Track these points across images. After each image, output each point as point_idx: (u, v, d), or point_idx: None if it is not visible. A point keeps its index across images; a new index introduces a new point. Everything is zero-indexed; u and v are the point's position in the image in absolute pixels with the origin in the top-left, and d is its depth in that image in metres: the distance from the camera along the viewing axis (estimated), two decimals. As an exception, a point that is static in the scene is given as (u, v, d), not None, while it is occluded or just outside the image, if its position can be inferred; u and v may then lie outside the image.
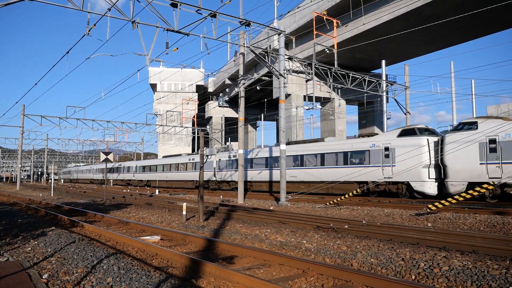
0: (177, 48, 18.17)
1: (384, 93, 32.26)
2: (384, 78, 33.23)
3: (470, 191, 13.59)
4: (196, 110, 66.37)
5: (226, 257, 7.55)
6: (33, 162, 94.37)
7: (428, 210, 13.46)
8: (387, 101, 34.94)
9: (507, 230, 10.49)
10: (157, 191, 35.33)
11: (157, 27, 16.47)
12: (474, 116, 38.49)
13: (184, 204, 13.35)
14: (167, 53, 17.44)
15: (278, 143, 29.87)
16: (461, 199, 13.39)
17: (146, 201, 22.06)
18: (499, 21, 34.27)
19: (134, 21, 15.80)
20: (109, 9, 15.08)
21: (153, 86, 74.28)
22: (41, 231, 10.29)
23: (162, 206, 18.88)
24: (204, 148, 14.67)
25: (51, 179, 34.16)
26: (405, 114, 34.81)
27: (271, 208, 17.90)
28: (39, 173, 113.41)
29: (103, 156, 22.09)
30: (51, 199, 25.21)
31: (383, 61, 35.21)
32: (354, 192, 17.91)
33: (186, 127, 54.65)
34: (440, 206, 13.27)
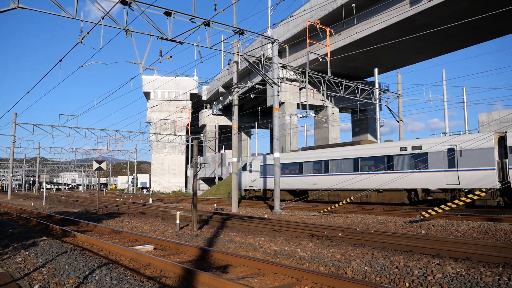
0: (171, 57, 18.19)
1: (377, 101, 32.51)
2: (377, 86, 33.51)
3: (463, 198, 13.69)
4: (190, 118, 66.33)
5: (220, 266, 7.49)
6: (25, 171, 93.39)
7: (421, 217, 13.51)
8: (380, 109, 35.21)
9: (499, 236, 10.55)
10: (150, 199, 35.11)
11: (150, 35, 16.50)
12: (466, 122, 38.95)
13: (178, 213, 13.26)
14: (160, 62, 17.45)
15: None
16: (454, 205, 13.47)
17: (139, 210, 21.89)
18: (490, 30, 34.85)
19: (128, 29, 15.82)
20: (103, 18, 15.09)
21: (147, 94, 74.21)
22: (32, 241, 10.15)
23: (155, 215, 18.73)
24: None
25: (43, 188, 33.75)
26: (398, 121, 35.07)
27: (265, 216, 17.85)
28: (31, 182, 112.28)
29: (96, 165, 21.93)
30: (43, 209, 24.92)
31: (376, 69, 35.56)
32: (348, 200, 17.93)
33: (179, 135, 54.54)
34: (433, 213, 13.34)
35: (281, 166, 26.19)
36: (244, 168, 30.80)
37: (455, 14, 30.59)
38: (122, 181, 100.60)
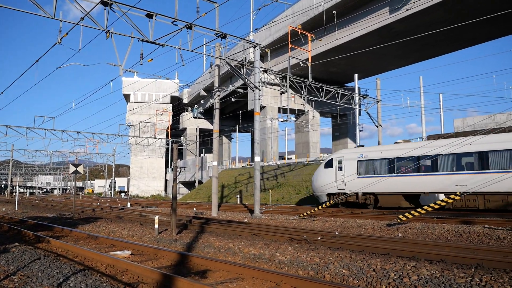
0: (152, 59, 18.04)
1: (357, 106, 33.01)
2: (356, 91, 34.04)
3: (438, 202, 14.01)
4: (170, 121, 65.77)
5: (199, 271, 7.42)
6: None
7: (398, 220, 13.76)
8: (360, 114, 35.74)
9: (473, 238, 10.84)
10: (128, 204, 34.55)
11: (131, 37, 16.31)
12: (442, 127, 39.94)
13: (156, 217, 13.09)
14: (141, 64, 17.28)
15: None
16: (430, 209, 13.78)
17: (116, 215, 21.50)
18: (466, 38, 36.01)
19: (108, 30, 15.60)
20: (83, 18, 14.85)
21: (127, 97, 73.22)
22: (3, 247, 9.81)
23: (133, 220, 18.43)
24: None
25: (15, 192, 32.71)
26: (377, 126, 35.66)
27: (245, 220, 17.82)
28: (3, 185, 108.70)
29: (72, 168, 21.43)
30: (15, 213, 24.15)
31: (356, 75, 36.13)
32: (327, 203, 18.08)
33: (159, 138, 53.93)
34: (410, 216, 13.60)
35: (393, 161, 20.37)
36: (329, 164, 23.38)
37: (433, 22, 31.49)
38: (99, 185, 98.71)
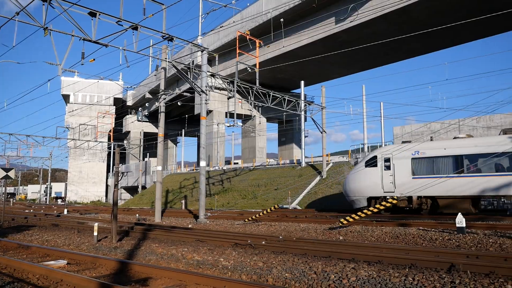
0: (94, 59, 17.26)
1: (303, 113, 33.90)
2: (302, 98, 35.00)
3: (377, 205, 14.76)
4: (113, 124, 63.17)
5: (140, 279, 7.16)
6: None
7: (340, 224, 14.28)
8: (305, 120, 36.80)
9: (408, 240, 11.53)
10: (65, 210, 32.57)
11: (72, 35, 15.48)
12: (383, 134, 42.19)
13: (96, 224, 12.47)
14: (82, 64, 16.45)
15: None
16: (369, 213, 14.47)
17: (52, 222, 20.16)
18: (405, 50, 38.50)
19: (47, 27, 14.68)
20: (18, 13, 13.89)
21: (66, 97, 69.28)
22: None
23: (70, 227, 17.40)
24: None
25: None
26: (322, 132, 36.87)
27: (190, 226, 17.53)
28: None
29: (2, 173, 19.76)
30: None
31: (302, 82, 37.14)
32: (272, 208, 18.31)
33: (101, 141, 51.59)
34: (351, 220, 14.18)
35: (461, 159, 17.17)
36: (372, 163, 19.81)
37: (375, 34, 33.28)
38: (33, 191, 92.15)
